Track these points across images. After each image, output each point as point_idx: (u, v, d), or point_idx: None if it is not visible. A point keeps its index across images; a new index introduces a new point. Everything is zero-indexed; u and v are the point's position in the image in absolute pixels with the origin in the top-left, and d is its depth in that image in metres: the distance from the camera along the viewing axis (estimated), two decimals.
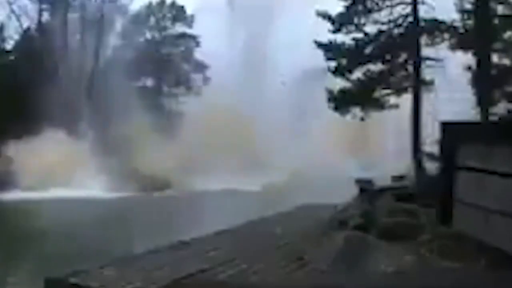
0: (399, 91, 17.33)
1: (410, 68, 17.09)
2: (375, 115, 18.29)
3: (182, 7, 44.88)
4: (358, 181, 12.68)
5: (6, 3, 37.11)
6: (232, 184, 28.14)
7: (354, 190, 12.63)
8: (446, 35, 17.15)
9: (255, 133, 34.97)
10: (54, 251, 13.96)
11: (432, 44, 17.27)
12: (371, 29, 17.61)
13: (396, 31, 17.37)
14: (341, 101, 17.82)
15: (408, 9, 16.99)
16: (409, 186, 13.94)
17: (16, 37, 37.69)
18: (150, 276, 7.02)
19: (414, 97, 16.54)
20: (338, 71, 18.24)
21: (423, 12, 16.87)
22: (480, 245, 6.88)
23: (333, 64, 18.12)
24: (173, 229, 15.44)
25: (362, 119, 17.99)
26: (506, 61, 16.20)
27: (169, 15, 45.36)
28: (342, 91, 18.17)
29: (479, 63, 14.30)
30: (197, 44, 45.15)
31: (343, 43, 17.83)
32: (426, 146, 15.50)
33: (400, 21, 17.27)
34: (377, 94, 17.46)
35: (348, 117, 18.21)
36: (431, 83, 17.06)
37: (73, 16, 41.30)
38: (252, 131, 35.11)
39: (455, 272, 6.63)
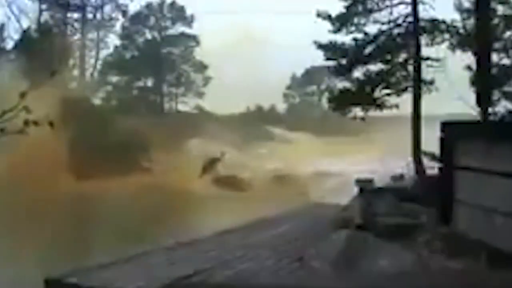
0: (399, 91, 17.32)
1: (410, 68, 17.08)
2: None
3: (182, 7, 44.96)
4: (358, 181, 12.66)
5: (5, 3, 37.16)
6: None
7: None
8: (446, 35, 17.15)
9: None
10: None
11: (432, 44, 17.27)
12: (371, 29, 17.62)
13: (396, 31, 17.36)
14: (341, 101, 17.82)
15: (408, 9, 16.98)
16: (409, 186, 13.95)
17: (16, 37, 37.74)
18: (150, 276, 7.02)
19: (414, 97, 16.53)
20: (338, 71, 18.25)
21: (423, 12, 16.88)
22: (480, 245, 6.88)
23: (333, 64, 18.13)
24: None
25: (362, 119, 17.98)
26: (506, 61, 16.21)
27: (169, 15, 45.39)
28: (342, 91, 18.18)
29: (479, 63, 14.29)
30: (197, 44, 45.20)
31: (343, 43, 17.83)
32: (425, 146, 15.51)
33: (400, 21, 17.25)
34: (377, 94, 17.45)
35: (348, 117, 18.21)
36: (431, 83, 17.06)
37: (73, 16, 41.37)
38: None
39: (455, 272, 6.62)
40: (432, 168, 13.24)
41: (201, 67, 45.47)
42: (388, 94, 17.41)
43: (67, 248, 13.89)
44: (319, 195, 22.09)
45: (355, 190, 12.49)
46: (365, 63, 17.49)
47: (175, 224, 17.47)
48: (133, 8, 44.30)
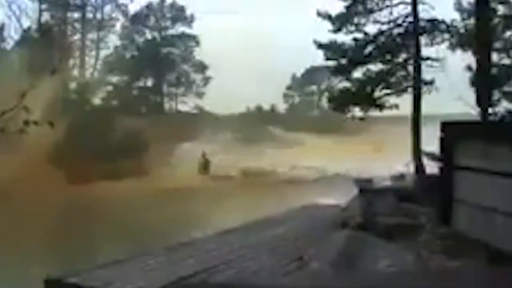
0: (399, 91, 17.34)
1: (410, 68, 17.10)
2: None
3: (182, 7, 44.95)
4: (358, 181, 12.67)
5: (5, 3, 37.18)
6: None
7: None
8: (446, 35, 17.17)
9: None
10: None
11: (432, 44, 17.30)
12: (371, 29, 17.66)
13: (396, 31, 17.40)
14: (341, 101, 17.84)
15: (408, 9, 17.01)
16: (409, 186, 13.95)
17: (16, 37, 37.73)
18: (150, 276, 7.02)
19: (414, 97, 16.54)
20: (338, 71, 18.27)
21: (423, 12, 16.89)
22: (480, 245, 6.88)
23: (333, 64, 18.15)
24: None
25: (361, 119, 18.00)
26: (506, 61, 16.23)
27: (169, 15, 45.38)
28: (342, 91, 18.21)
29: (479, 63, 14.31)
30: (197, 44, 45.20)
31: (343, 43, 17.84)
32: (425, 146, 15.52)
33: (400, 21, 17.29)
34: (377, 94, 17.46)
35: (348, 117, 18.24)
36: (431, 83, 17.07)
37: (73, 16, 41.36)
38: None
39: (455, 272, 6.62)
40: (432, 168, 13.26)
41: (201, 67, 45.47)
42: (388, 94, 17.44)
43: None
44: (310, 193, 22.36)
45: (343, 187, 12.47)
46: (365, 63, 17.51)
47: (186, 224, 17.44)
48: (133, 8, 44.35)
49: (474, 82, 14.91)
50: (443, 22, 17.13)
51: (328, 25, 17.79)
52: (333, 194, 18.00)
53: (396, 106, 17.66)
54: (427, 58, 17.03)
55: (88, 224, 18.30)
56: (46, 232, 17.04)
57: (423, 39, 17.04)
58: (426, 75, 16.94)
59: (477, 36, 14.37)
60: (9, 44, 38.03)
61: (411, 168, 16.11)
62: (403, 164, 17.02)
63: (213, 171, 33.70)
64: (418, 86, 16.52)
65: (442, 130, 8.50)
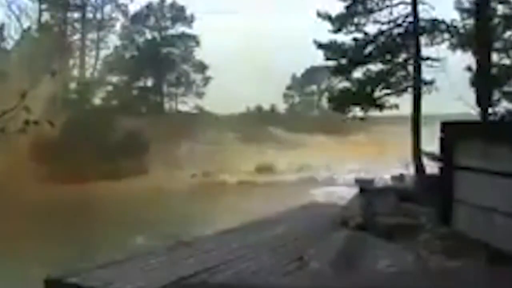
0: (399, 91, 17.32)
1: (410, 68, 17.08)
2: None
3: (182, 7, 44.93)
4: (358, 181, 12.67)
5: (5, 3, 37.18)
6: None
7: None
8: (446, 35, 17.16)
9: None
10: None
11: (432, 44, 17.28)
12: (371, 29, 17.63)
13: (396, 31, 17.37)
14: (341, 101, 17.83)
15: (408, 9, 16.98)
16: (408, 186, 13.95)
17: (16, 37, 37.72)
18: (150, 276, 7.02)
19: (414, 97, 16.53)
20: (338, 71, 18.26)
21: (423, 12, 16.88)
22: (480, 245, 6.88)
23: (333, 64, 18.14)
24: None
25: (362, 119, 17.99)
26: (506, 61, 16.22)
27: (169, 15, 45.37)
28: (342, 91, 18.20)
29: (479, 63, 14.30)
30: (197, 44, 45.21)
31: (343, 43, 17.83)
32: (425, 146, 15.52)
33: (400, 21, 17.26)
34: (377, 94, 17.45)
35: (348, 117, 18.22)
36: (431, 83, 17.06)
37: (73, 16, 41.37)
38: None
39: (455, 272, 6.63)
40: (432, 168, 13.27)
41: (201, 67, 45.46)
42: (388, 94, 17.42)
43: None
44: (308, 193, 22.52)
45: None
46: (365, 63, 17.49)
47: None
48: (133, 8, 44.35)
49: (474, 82, 14.90)
50: (443, 22, 17.10)
51: (328, 25, 17.79)
52: (333, 194, 18.01)
53: (396, 106, 17.63)
54: (427, 58, 17.01)
55: (84, 223, 18.34)
56: (41, 231, 17.05)
57: (423, 39, 17.01)
58: (426, 75, 16.91)
59: (477, 36, 14.37)
60: (9, 44, 38.02)
61: (411, 169, 16.10)
62: (403, 165, 17.03)
63: (213, 171, 33.73)
64: (418, 86, 16.50)
65: (442, 130, 8.50)
